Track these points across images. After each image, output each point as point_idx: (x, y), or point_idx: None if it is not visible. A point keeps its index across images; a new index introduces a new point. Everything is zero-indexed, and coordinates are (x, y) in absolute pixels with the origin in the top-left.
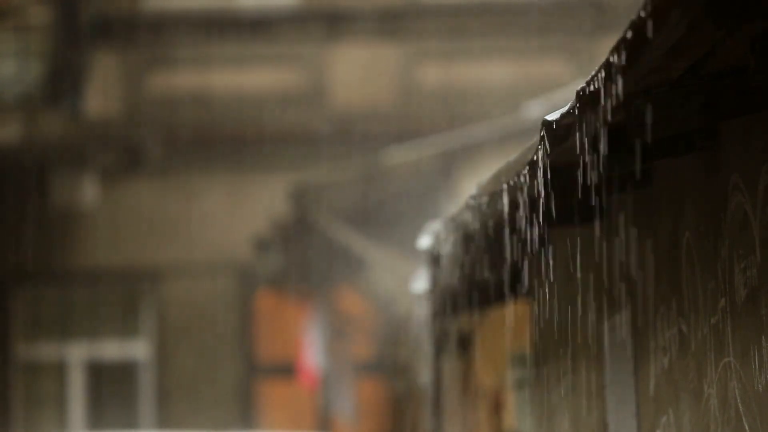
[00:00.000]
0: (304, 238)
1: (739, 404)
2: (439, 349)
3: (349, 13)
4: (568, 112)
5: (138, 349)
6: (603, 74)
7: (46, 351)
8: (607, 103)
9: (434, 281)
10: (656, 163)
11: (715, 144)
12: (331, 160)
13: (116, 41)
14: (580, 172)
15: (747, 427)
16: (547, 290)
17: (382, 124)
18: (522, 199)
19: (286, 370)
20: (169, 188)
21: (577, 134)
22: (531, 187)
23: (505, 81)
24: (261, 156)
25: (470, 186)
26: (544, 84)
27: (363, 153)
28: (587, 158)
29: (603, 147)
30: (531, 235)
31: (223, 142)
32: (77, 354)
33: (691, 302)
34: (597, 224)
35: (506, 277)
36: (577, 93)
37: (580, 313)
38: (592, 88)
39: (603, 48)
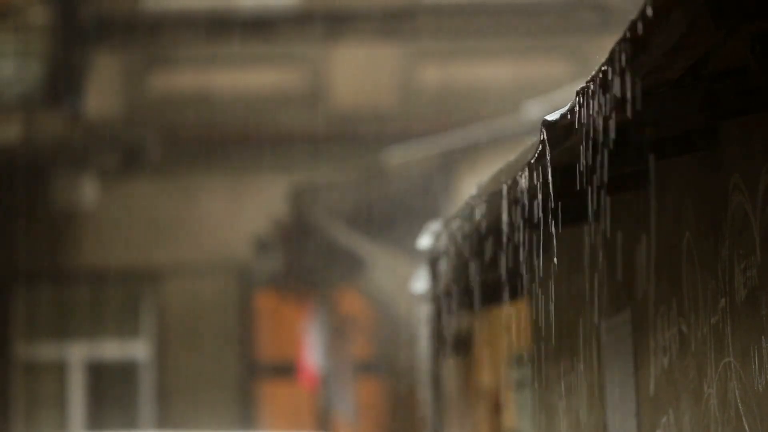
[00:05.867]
0: (303, 238)
1: (739, 404)
2: (439, 349)
3: (349, 13)
4: (568, 112)
5: (138, 349)
6: (603, 74)
7: (46, 351)
8: (607, 104)
9: (434, 281)
10: (656, 163)
11: (716, 144)
12: (331, 161)
13: (116, 41)
14: (580, 173)
15: (747, 427)
16: (546, 290)
17: (382, 124)
18: (522, 199)
19: (286, 370)
20: (169, 188)
21: (577, 134)
22: (531, 188)
23: (505, 81)
24: (261, 156)
25: (470, 186)
26: (544, 84)
27: (363, 153)
28: (587, 158)
29: (603, 147)
30: (531, 235)
31: (223, 142)
32: (77, 354)
33: (691, 302)
34: (597, 224)
35: (506, 277)
36: (577, 93)
37: (580, 313)
38: (592, 88)
39: (603, 48)
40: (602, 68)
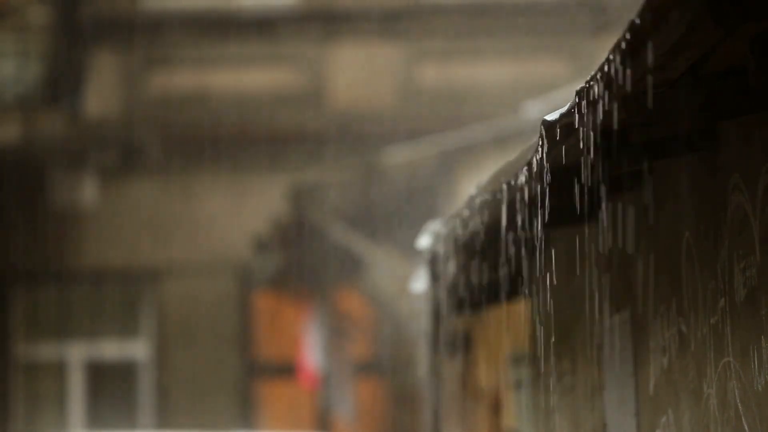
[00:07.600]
0: (303, 238)
1: (739, 404)
2: (438, 349)
3: (349, 13)
4: (567, 112)
5: (138, 349)
6: (602, 74)
7: (45, 351)
8: (606, 104)
9: (434, 281)
10: (656, 163)
11: (715, 144)
12: (331, 160)
13: (116, 41)
14: (579, 173)
15: (746, 427)
16: (546, 290)
17: (382, 124)
18: (522, 199)
19: (286, 370)
20: (169, 188)
21: (577, 134)
22: (530, 187)
23: (505, 81)
24: (261, 156)
25: (470, 186)
26: (544, 84)
27: (363, 153)
28: (587, 158)
29: (602, 147)
30: (530, 234)
31: (222, 142)
32: (77, 354)
33: (690, 302)
34: (596, 224)
35: (506, 277)
36: (577, 93)
37: (579, 313)
38: (591, 88)
39: (603, 48)
40: (602, 68)
